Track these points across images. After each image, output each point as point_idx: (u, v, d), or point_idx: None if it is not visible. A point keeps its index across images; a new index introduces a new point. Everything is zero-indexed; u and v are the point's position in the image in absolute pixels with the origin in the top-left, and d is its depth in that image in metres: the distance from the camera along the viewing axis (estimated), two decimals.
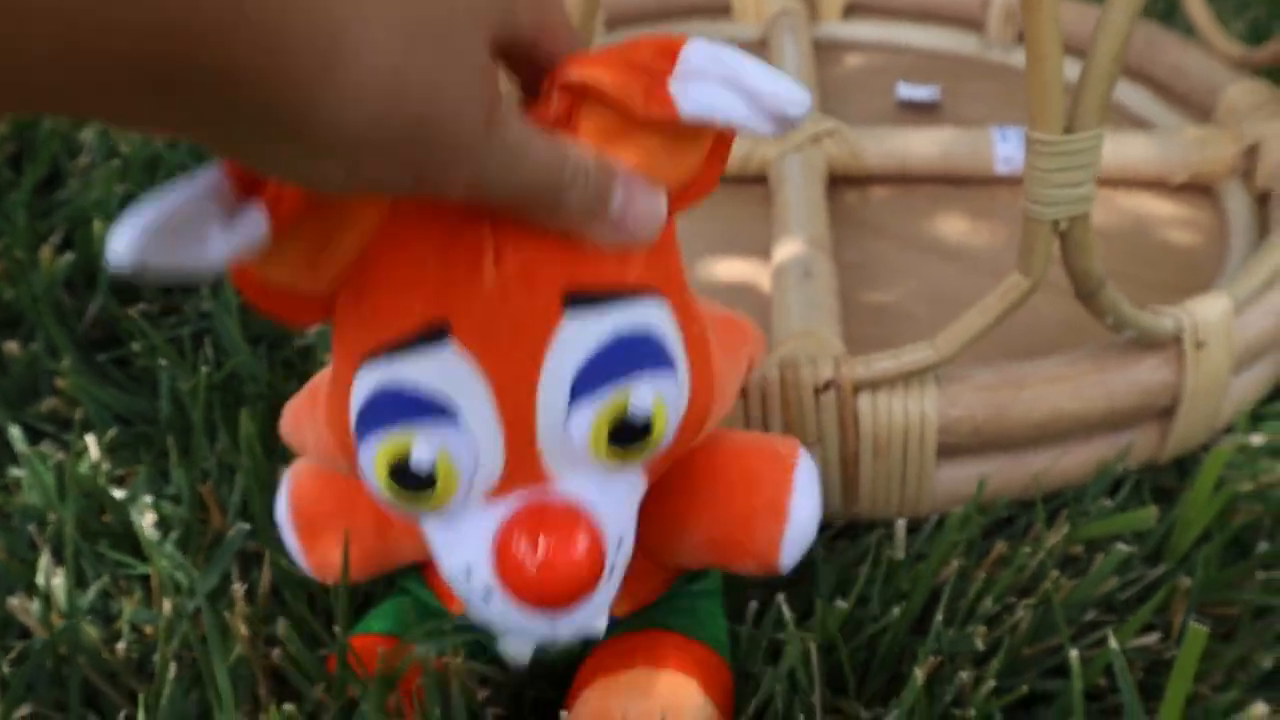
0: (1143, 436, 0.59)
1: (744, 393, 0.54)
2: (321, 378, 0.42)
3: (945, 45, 0.97)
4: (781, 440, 0.45)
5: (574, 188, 0.33)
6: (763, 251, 0.72)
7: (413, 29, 0.27)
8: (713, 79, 0.32)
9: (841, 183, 0.79)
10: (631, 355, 0.35)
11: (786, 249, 0.67)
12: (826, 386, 0.54)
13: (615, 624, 0.45)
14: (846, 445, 0.55)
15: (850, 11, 1.00)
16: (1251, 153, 0.75)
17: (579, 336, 0.35)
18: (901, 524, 0.54)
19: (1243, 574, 0.51)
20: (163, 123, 0.25)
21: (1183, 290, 0.67)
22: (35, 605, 0.52)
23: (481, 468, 0.35)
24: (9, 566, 0.54)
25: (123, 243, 0.28)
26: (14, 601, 0.52)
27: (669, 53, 0.32)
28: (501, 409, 0.35)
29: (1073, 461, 0.58)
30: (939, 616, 0.47)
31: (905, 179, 0.79)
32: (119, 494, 0.57)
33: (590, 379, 0.35)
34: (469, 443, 0.35)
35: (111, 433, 0.60)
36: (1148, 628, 0.51)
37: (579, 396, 0.35)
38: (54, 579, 0.52)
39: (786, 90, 0.33)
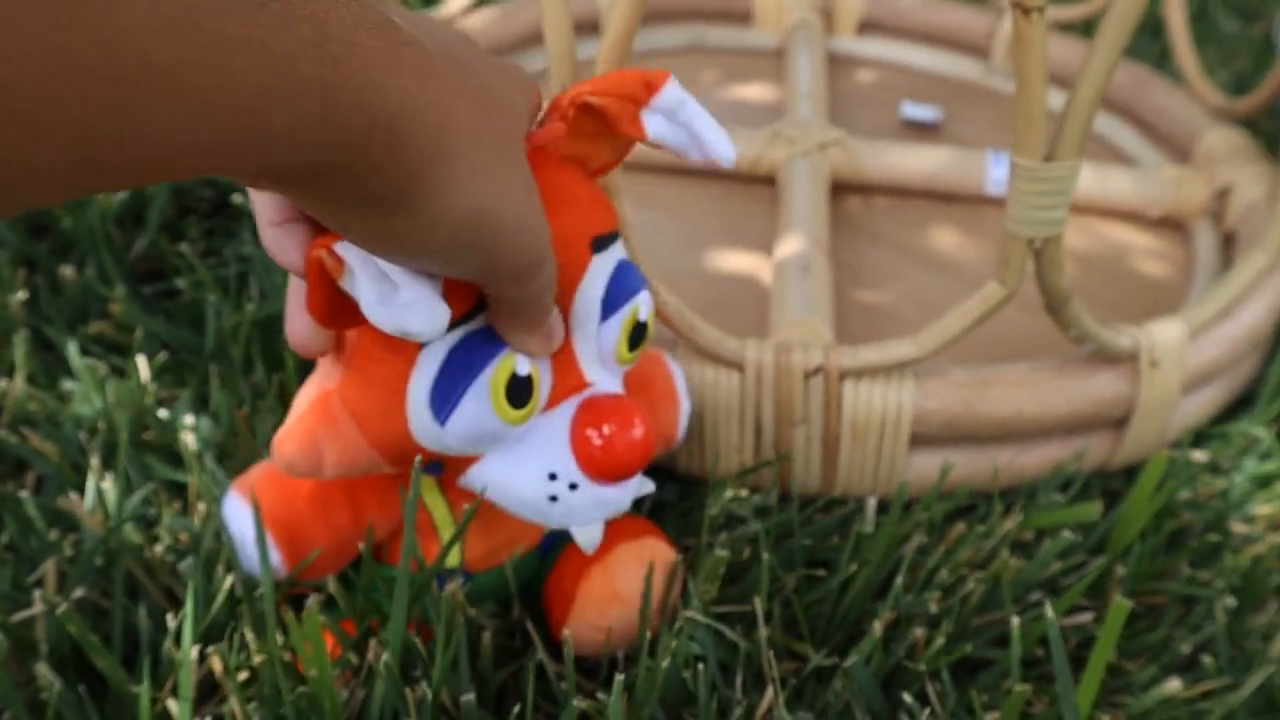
0: (1097, 442, 0.65)
1: (741, 369, 0.60)
2: (316, 403, 0.46)
3: (950, 69, 1.03)
4: (650, 351, 0.57)
5: (546, 298, 0.42)
6: (767, 247, 0.77)
7: (495, 164, 0.36)
8: (675, 119, 0.44)
9: (844, 190, 0.85)
10: (630, 278, 0.47)
11: (788, 246, 0.72)
12: (815, 371, 0.60)
13: (561, 535, 0.54)
14: (829, 427, 0.61)
15: (864, 28, 1.06)
16: (1223, 195, 0.81)
17: (600, 269, 0.46)
18: (873, 502, 0.60)
19: (1171, 567, 0.58)
20: (311, 200, 0.33)
21: (1149, 316, 0.73)
22: (88, 504, 0.57)
23: (544, 381, 0.44)
24: (60, 467, 0.60)
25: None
26: (64, 500, 0.57)
27: (651, 88, 0.44)
28: None
29: (1031, 459, 0.63)
30: (899, 580, 0.53)
31: (903, 191, 0.85)
32: (163, 413, 0.62)
33: (613, 299, 0.46)
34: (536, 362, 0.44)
35: (161, 358, 0.66)
36: (1083, 608, 0.57)
37: (608, 314, 0.46)
38: (103, 483, 0.58)
39: (722, 146, 0.45)
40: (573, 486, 0.45)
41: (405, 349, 0.43)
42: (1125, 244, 0.82)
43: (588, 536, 0.47)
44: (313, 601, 0.46)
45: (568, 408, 0.46)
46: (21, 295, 0.69)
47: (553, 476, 0.45)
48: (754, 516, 0.60)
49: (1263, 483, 0.65)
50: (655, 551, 0.54)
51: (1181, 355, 0.63)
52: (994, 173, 0.83)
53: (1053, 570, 0.57)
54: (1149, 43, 1.08)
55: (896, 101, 0.97)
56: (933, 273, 0.78)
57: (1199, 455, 0.66)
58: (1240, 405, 0.71)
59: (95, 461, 0.59)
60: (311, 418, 0.45)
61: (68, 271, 0.71)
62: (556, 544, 0.55)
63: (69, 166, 0.23)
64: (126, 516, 0.56)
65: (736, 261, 0.77)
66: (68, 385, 0.65)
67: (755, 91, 0.98)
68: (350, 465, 0.46)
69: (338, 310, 0.39)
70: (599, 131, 0.45)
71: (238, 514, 0.50)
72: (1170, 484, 0.59)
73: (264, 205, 0.39)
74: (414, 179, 0.32)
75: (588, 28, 1.00)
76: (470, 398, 0.43)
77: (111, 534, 0.54)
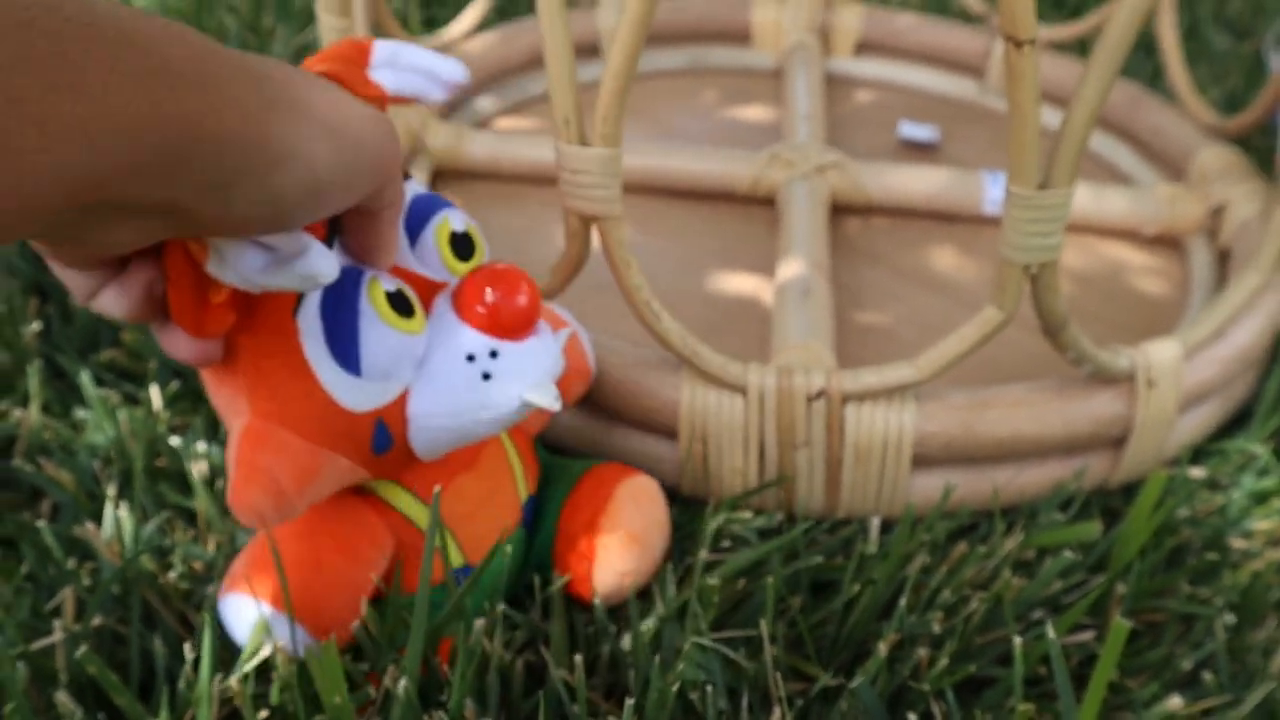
0: (1096, 461, 0.66)
1: (744, 393, 0.61)
2: (244, 441, 0.46)
3: (947, 88, 1.04)
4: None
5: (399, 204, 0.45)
6: (767, 269, 0.78)
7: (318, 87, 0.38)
8: (399, 68, 0.48)
9: (844, 211, 0.86)
10: (426, 203, 0.50)
11: (789, 268, 0.73)
12: (818, 395, 0.61)
13: (534, 502, 0.58)
14: (832, 450, 0.62)
15: (861, 49, 1.07)
16: (1217, 213, 0.82)
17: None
18: (876, 522, 0.61)
19: (1171, 585, 0.58)
20: (161, 194, 0.33)
21: (1147, 334, 0.74)
22: (105, 534, 0.58)
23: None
24: (75, 496, 0.60)
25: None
26: (80, 529, 0.58)
27: (364, 51, 0.47)
28: None
29: (1031, 479, 0.64)
30: (903, 602, 0.54)
31: (902, 212, 0.86)
32: (175, 441, 0.63)
33: (414, 221, 0.49)
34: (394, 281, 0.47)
35: (173, 386, 0.67)
36: (1084, 627, 0.58)
37: (418, 232, 0.49)
38: (119, 512, 0.59)
39: (449, 66, 0.49)
40: (494, 354, 0.47)
41: (285, 330, 0.45)
42: (1122, 262, 0.83)
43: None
44: (332, 640, 0.47)
45: (443, 303, 0.48)
46: (35, 326, 0.70)
47: (470, 358, 0.47)
48: (758, 539, 0.61)
49: (1261, 499, 0.66)
50: (645, 486, 0.58)
51: (1178, 375, 0.64)
52: (991, 193, 0.84)
53: (1054, 589, 0.57)
54: (1142, 61, 1.09)
55: (894, 121, 0.99)
56: (932, 293, 0.79)
57: (1197, 472, 0.67)
58: (1238, 422, 0.72)
59: (110, 490, 0.60)
60: (247, 451, 0.45)
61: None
62: (539, 515, 0.58)
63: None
64: (142, 547, 0.57)
65: (737, 284, 0.78)
66: (81, 414, 0.66)
67: (754, 112, 0.99)
68: (311, 478, 0.46)
69: (202, 311, 0.41)
70: None
71: (242, 610, 0.50)
72: (1169, 502, 0.60)
73: (75, 282, 0.40)
74: (261, 127, 0.34)
75: (587, 50, 1.01)
76: (365, 328, 0.44)
77: (129, 564, 0.55)
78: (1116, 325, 0.77)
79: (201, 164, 0.32)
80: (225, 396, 0.47)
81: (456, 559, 0.52)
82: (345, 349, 0.45)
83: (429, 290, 0.48)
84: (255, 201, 0.35)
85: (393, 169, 0.41)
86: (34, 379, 0.66)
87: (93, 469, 0.63)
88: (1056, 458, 0.65)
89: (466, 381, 0.47)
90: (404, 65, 0.48)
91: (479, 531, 0.53)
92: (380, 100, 0.47)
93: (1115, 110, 0.95)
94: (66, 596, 0.55)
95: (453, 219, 0.49)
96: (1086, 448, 0.65)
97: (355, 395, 0.45)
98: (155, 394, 0.65)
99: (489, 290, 0.47)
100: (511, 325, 0.47)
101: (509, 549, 0.54)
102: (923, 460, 0.63)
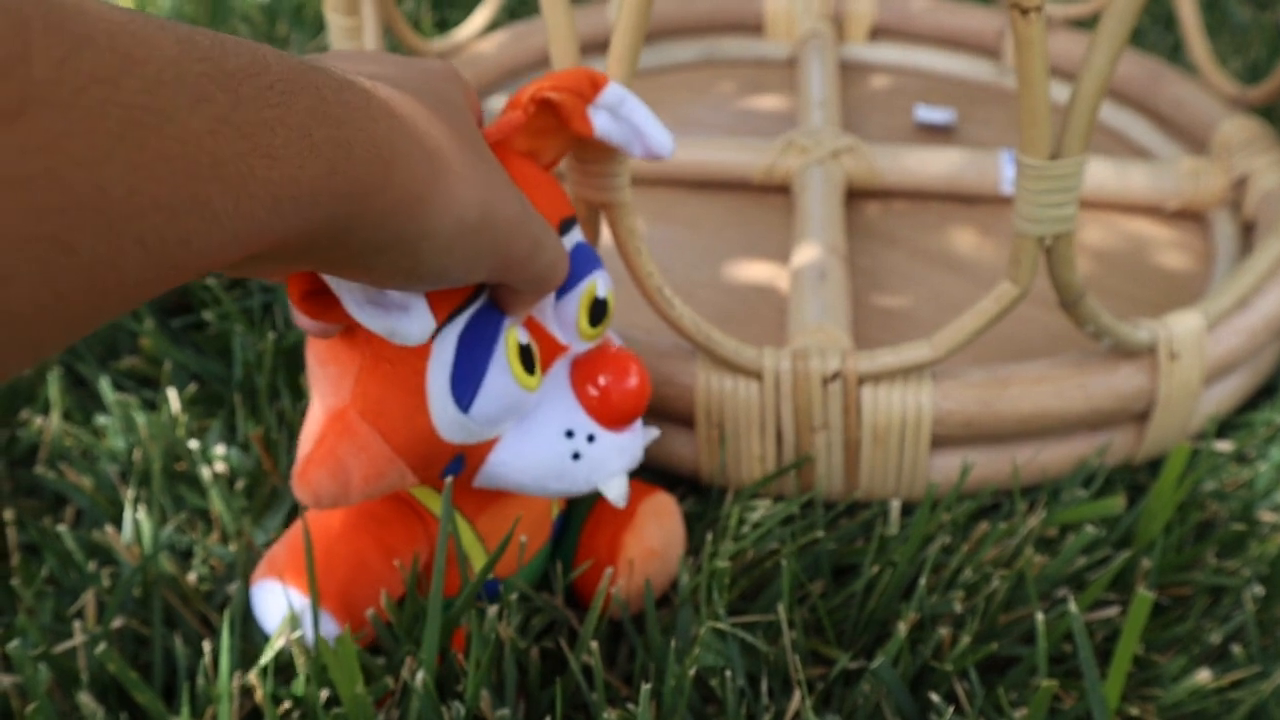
0: (1120, 437, 0.65)
1: (759, 378, 0.61)
2: (332, 423, 0.46)
3: (963, 70, 1.03)
4: None
5: (559, 269, 0.45)
6: (784, 256, 0.78)
7: (476, 166, 0.38)
8: (617, 115, 0.48)
9: (861, 195, 0.85)
10: (586, 258, 0.49)
11: (805, 253, 0.73)
12: (834, 377, 0.60)
13: (564, 518, 0.58)
14: (849, 432, 0.61)
15: (875, 34, 1.06)
16: (1240, 185, 0.81)
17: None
18: (896, 504, 0.60)
19: (1197, 558, 0.58)
20: (333, 263, 0.35)
21: (1171, 308, 0.73)
22: (124, 537, 0.58)
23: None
24: (96, 500, 0.61)
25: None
26: (99, 533, 0.58)
27: (596, 86, 0.48)
28: None
29: (1054, 456, 0.64)
30: (922, 581, 0.54)
31: (919, 195, 0.85)
32: (194, 444, 0.64)
33: (571, 277, 0.48)
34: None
35: (191, 389, 0.67)
36: (1108, 603, 0.57)
37: (565, 290, 0.48)
38: (138, 515, 0.59)
39: (661, 138, 0.49)
40: (590, 438, 0.48)
41: (419, 347, 0.44)
42: (1146, 238, 0.82)
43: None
44: (345, 630, 0.47)
45: (559, 369, 0.49)
46: None
47: (569, 434, 0.48)
48: (778, 525, 0.61)
49: None
50: (665, 503, 0.58)
51: (1200, 346, 0.63)
52: (1008, 172, 0.83)
53: (1078, 565, 0.57)
54: (1163, 35, 1.08)
55: (910, 105, 0.98)
56: (951, 274, 0.78)
57: (1224, 445, 0.66)
58: (1266, 393, 0.71)
59: (130, 493, 0.61)
60: (332, 438, 0.45)
61: None
62: (564, 530, 0.57)
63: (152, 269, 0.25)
64: (160, 547, 0.57)
65: (755, 272, 0.78)
66: (101, 420, 0.66)
67: (769, 102, 0.99)
68: (378, 480, 0.46)
69: (318, 302, 0.41)
70: (550, 127, 0.49)
71: (273, 598, 0.50)
72: (1194, 475, 0.59)
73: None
74: (422, 204, 0.34)
75: (599, 46, 1.01)
76: (493, 374, 0.45)
77: (148, 564, 0.55)
78: (1140, 301, 0.76)
79: (364, 233, 0.33)
80: (330, 373, 0.46)
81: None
82: (466, 388, 0.45)
83: (551, 351, 0.49)
84: (397, 268, 0.36)
85: (522, 263, 0.41)
86: (54, 387, 0.66)
87: (114, 474, 0.63)
88: (1080, 434, 0.64)
89: (556, 454, 0.48)
90: (624, 115, 0.49)
91: (510, 549, 0.53)
92: (578, 137, 0.49)
93: (1136, 84, 0.94)
94: (88, 600, 0.55)
95: (599, 284, 0.50)
96: (1110, 423, 0.64)
97: (455, 430, 0.46)
98: (173, 397, 0.65)
99: (605, 377, 0.48)
100: (616, 418, 0.48)
101: (534, 566, 0.55)
102: (943, 440, 0.62)
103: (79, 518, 0.62)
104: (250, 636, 0.54)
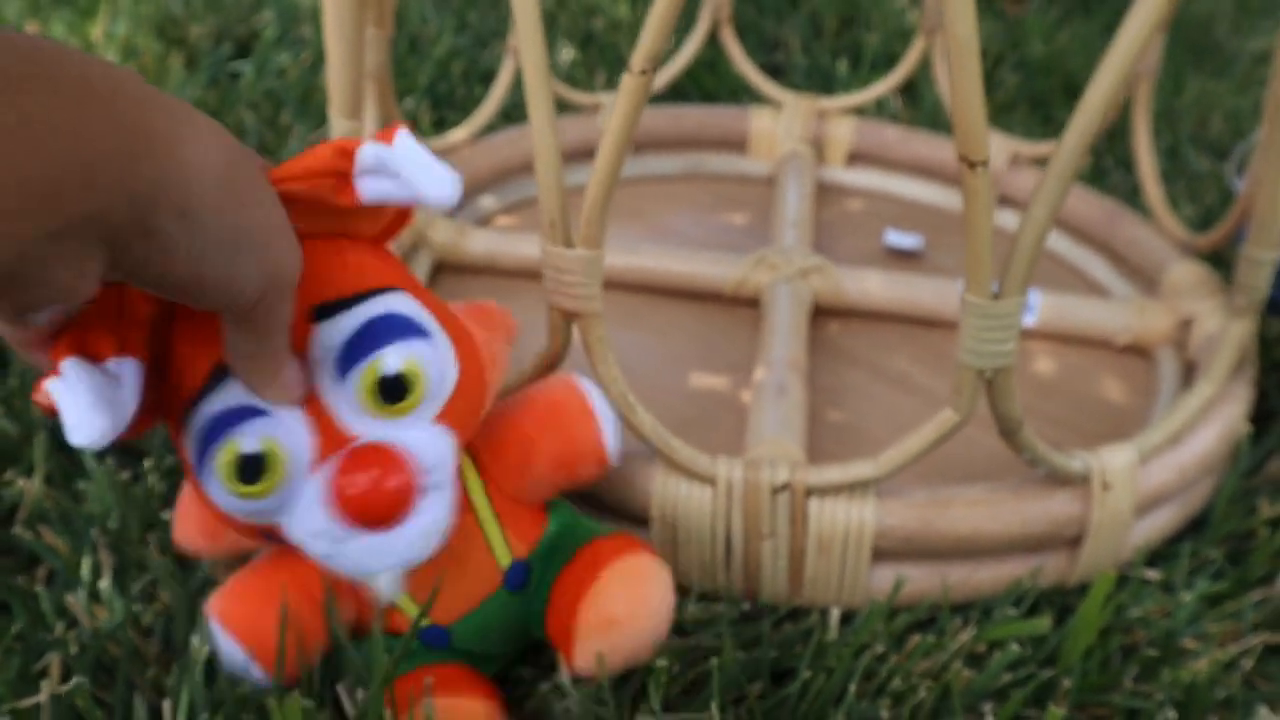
0: (1053, 561, 0.68)
1: (713, 484, 0.64)
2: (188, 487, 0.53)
3: (933, 198, 1.08)
4: (558, 377, 0.61)
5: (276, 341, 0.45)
6: (749, 366, 0.82)
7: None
8: (382, 174, 0.45)
9: (825, 314, 0.89)
10: (375, 336, 0.47)
11: (766, 368, 0.77)
12: (783, 488, 0.63)
13: (524, 568, 0.57)
14: (795, 540, 0.65)
15: (853, 159, 1.11)
16: (1185, 326, 0.85)
17: (331, 333, 0.47)
18: (836, 612, 0.63)
19: (1116, 681, 0.60)
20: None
21: (1112, 439, 0.76)
22: (89, 603, 0.61)
23: (299, 445, 0.47)
24: (69, 564, 0.63)
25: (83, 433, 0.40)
26: (71, 595, 0.61)
27: (346, 156, 0.44)
28: None
29: (989, 575, 0.67)
30: (852, 688, 0.56)
31: (880, 316, 0.89)
32: (166, 515, 0.66)
33: (350, 356, 0.47)
34: (285, 427, 0.46)
35: (169, 460, 0.70)
36: (1027, 719, 0.59)
37: (346, 371, 0.47)
38: (101, 583, 0.61)
39: (435, 187, 0.45)
40: (340, 539, 0.47)
41: (177, 425, 0.48)
42: (1093, 370, 0.86)
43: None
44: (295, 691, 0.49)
45: (329, 464, 0.47)
46: None
47: (322, 533, 0.47)
48: (725, 627, 0.63)
49: (1213, 601, 0.68)
50: (639, 566, 0.56)
51: (1133, 479, 0.66)
52: None
53: (1002, 681, 0.59)
54: (1125, 176, 1.13)
55: (881, 229, 1.02)
56: (906, 395, 0.82)
57: (1152, 574, 0.69)
58: (1195, 527, 0.74)
59: (101, 559, 0.63)
60: (185, 504, 0.57)
61: None
62: (530, 578, 0.57)
63: None
64: (120, 618, 0.59)
65: (718, 381, 0.82)
66: (82, 485, 0.69)
67: (746, 217, 1.03)
68: (215, 539, 0.56)
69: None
70: (322, 210, 0.46)
71: (223, 638, 0.54)
72: (1117, 600, 0.62)
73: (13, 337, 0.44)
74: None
75: (590, 153, 1.05)
76: (210, 483, 0.47)
77: (115, 630, 0.57)
78: (1084, 431, 0.80)
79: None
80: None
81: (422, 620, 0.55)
82: (205, 483, 0.48)
83: (334, 442, 0.48)
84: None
85: (284, 279, 0.42)
86: (39, 450, 0.69)
87: (90, 538, 0.66)
88: (1015, 556, 0.67)
89: (315, 543, 0.48)
90: (392, 172, 0.45)
91: (443, 597, 0.55)
92: (351, 209, 0.46)
93: (1095, 224, 0.98)
94: (53, 660, 0.57)
95: (387, 361, 0.47)
96: (1044, 547, 0.67)
97: (234, 512, 0.48)
98: (151, 468, 0.68)
99: (350, 477, 0.46)
100: (362, 519, 0.47)
101: (482, 616, 0.56)
102: (884, 553, 0.65)
103: (51, 578, 0.65)
104: (213, 678, 0.56)
